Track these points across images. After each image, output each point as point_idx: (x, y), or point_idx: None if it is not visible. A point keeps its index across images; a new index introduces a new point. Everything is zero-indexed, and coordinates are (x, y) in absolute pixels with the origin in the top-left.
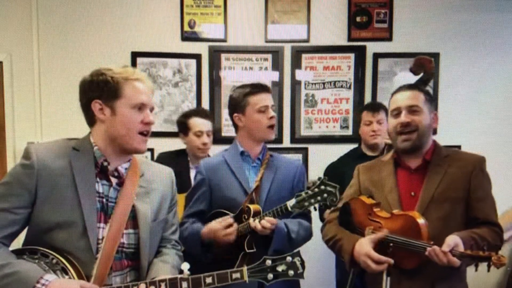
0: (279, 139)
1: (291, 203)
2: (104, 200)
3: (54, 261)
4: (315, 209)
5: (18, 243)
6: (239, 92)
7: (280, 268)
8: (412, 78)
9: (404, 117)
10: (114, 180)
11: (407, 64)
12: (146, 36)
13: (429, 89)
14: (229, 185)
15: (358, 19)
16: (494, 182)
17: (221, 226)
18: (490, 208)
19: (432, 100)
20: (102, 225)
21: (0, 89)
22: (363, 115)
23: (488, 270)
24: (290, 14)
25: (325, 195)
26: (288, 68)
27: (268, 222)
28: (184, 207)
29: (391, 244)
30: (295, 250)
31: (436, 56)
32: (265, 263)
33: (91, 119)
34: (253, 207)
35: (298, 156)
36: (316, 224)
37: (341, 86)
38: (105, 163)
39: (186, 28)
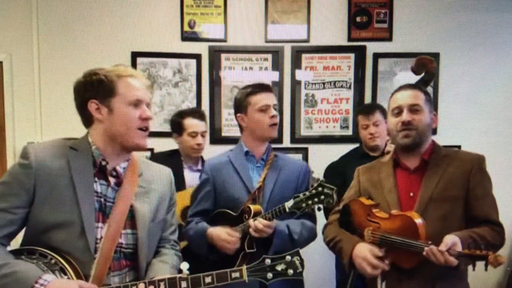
0: (279, 139)
1: (289, 204)
2: (102, 200)
3: (53, 261)
4: (319, 209)
5: (16, 243)
6: (241, 93)
7: (279, 267)
8: (412, 78)
9: (405, 116)
10: (112, 180)
11: (407, 64)
12: (146, 36)
13: (429, 89)
14: (232, 185)
15: (358, 19)
16: (494, 182)
17: (226, 238)
18: (490, 206)
19: (431, 100)
20: (100, 225)
21: (0, 89)
22: (359, 119)
23: (486, 269)
24: (290, 14)
25: (322, 197)
26: (288, 68)
27: (260, 223)
28: (189, 205)
29: (384, 249)
30: (294, 250)
31: (436, 56)
32: (264, 262)
33: (88, 120)
34: (253, 207)
35: (298, 156)
36: (320, 223)
37: (341, 86)
38: (103, 163)
39: (186, 28)
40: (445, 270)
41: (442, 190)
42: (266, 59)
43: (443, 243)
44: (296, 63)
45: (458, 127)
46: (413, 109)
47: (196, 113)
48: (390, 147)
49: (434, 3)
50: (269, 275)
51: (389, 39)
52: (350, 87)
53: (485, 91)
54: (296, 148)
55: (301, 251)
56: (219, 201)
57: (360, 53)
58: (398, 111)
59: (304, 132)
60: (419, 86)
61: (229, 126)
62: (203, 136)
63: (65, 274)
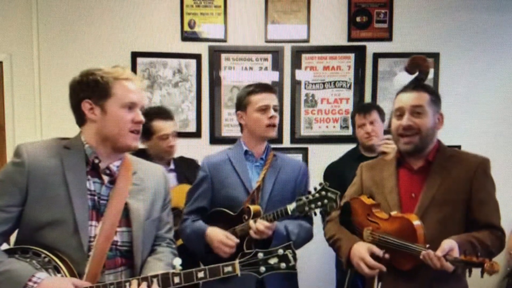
0: (279, 139)
1: (291, 207)
2: (96, 198)
3: (46, 259)
4: (315, 214)
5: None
6: (243, 91)
7: (272, 261)
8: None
9: (406, 120)
10: (106, 178)
11: None
12: (146, 36)
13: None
14: (231, 184)
15: (358, 19)
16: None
17: (224, 241)
18: (492, 211)
19: (438, 100)
20: (94, 223)
21: (0, 89)
22: (356, 118)
23: (482, 276)
24: (290, 14)
25: (326, 201)
26: (288, 68)
27: (261, 225)
28: (185, 203)
29: (384, 250)
30: (287, 243)
31: (436, 56)
32: (257, 256)
33: (81, 119)
34: (253, 208)
35: (298, 156)
36: (318, 224)
37: (341, 86)
38: (96, 161)
39: (186, 28)
40: (443, 273)
41: (444, 192)
42: (266, 59)
43: (440, 248)
44: (296, 63)
45: (458, 127)
46: (415, 111)
47: (163, 113)
48: (386, 148)
49: (434, 3)
50: (262, 269)
51: (389, 39)
52: (350, 87)
53: (485, 91)
54: (296, 148)
55: (301, 250)
56: (216, 200)
57: (360, 53)
58: (400, 113)
59: (304, 132)
60: (424, 85)
61: (229, 126)
62: (174, 136)
63: (59, 272)
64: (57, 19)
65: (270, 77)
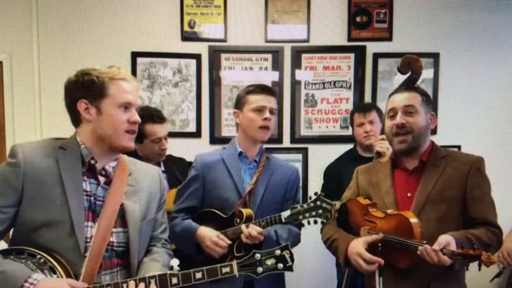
0: (279, 139)
1: (285, 214)
2: (92, 198)
3: (42, 260)
4: (308, 223)
5: (3, 243)
6: (243, 90)
7: (269, 262)
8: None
9: (399, 119)
10: (101, 179)
11: None
12: (146, 36)
13: (429, 89)
14: (223, 185)
15: (358, 19)
16: (494, 182)
17: (216, 242)
18: (488, 208)
19: (430, 101)
20: (90, 223)
21: (0, 89)
22: (355, 117)
23: (479, 269)
24: (290, 14)
25: (320, 211)
26: (288, 68)
27: (254, 230)
28: (175, 201)
29: (379, 245)
30: (284, 244)
31: (436, 56)
32: (254, 257)
33: (76, 119)
34: (245, 212)
35: (298, 156)
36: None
37: (341, 86)
38: (92, 161)
39: (186, 28)
40: (441, 271)
41: (439, 191)
42: (266, 59)
43: (437, 242)
44: (296, 63)
45: (458, 127)
46: (408, 111)
47: (155, 116)
48: (380, 148)
49: (434, 3)
50: (259, 269)
51: (389, 39)
52: (350, 87)
53: (485, 91)
54: (296, 148)
55: (302, 251)
56: (207, 200)
57: (360, 53)
58: (393, 113)
59: (304, 132)
60: (415, 87)
61: (229, 126)
62: (166, 139)
63: (55, 273)
64: (57, 19)
65: (270, 77)
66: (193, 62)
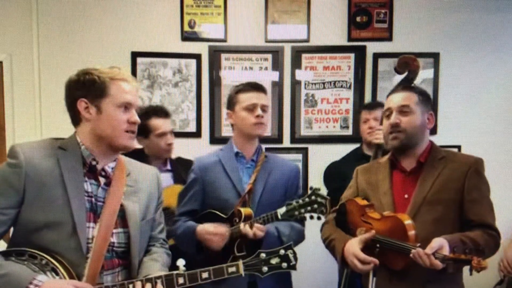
0: (279, 139)
1: (281, 211)
2: (93, 199)
3: (44, 261)
4: (304, 218)
5: (2, 244)
6: (232, 90)
7: (273, 261)
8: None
9: (393, 118)
10: (102, 180)
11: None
12: (146, 36)
13: (430, 89)
14: (222, 186)
15: (358, 19)
16: (493, 182)
17: (214, 231)
18: (485, 210)
19: (428, 100)
20: (92, 224)
21: (0, 89)
22: (362, 114)
23: (471, 274)
24: (290, 14)
25: (315, 205)
26: (288, 68)
27: (259, 230)
28: (177, 205)
29: (378, 245)
30: (288, 244)
31: (436, 56)
32: (259, 257)
33: (76, 118)
34: (244, 211)
35: (298, 156)
36: (318, 224)
37: (341, 86)
38: (94, 162)
39: (186, 28)
40: (437, 273)
41: (436, 192)
42: (266, 59)
43: (429, 246)
44: (296, 63)
45: (458, 127)
46: (402, 110)
47: (160, 111)
48: (376, 140)
49: (434, 3)
50: (264, 268)
51: (389, 39)
52: (350, 87)
53: (485, 91)
54: (296, 148)
55: (304, 250)
56: (207, 202)
57: (360, 53)
58: (389, 113)
59: (304, 132)
60: (412, 86)
61: (229, 126)
62: (171, 134)
63: (57, 274)
64: (57, 19)
65: (270, 77)
66: (193, 62)
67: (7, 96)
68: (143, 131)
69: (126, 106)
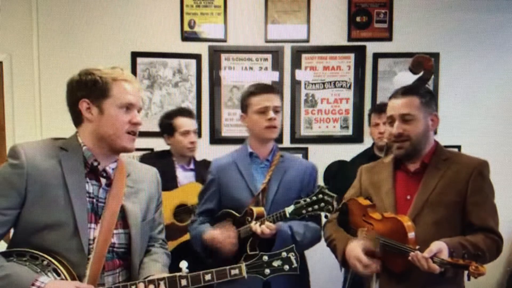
0: (279, 139)
1: (289, 209)
2: (94, 200)
3: (45, 262)
4: (310, 216)
5: (2, 245)
6: (244, 92)
7: (275, 263)
8: (412, 78)
9: (395, 129)
10: (103, 181)
11: (407, 64)
12: (146, 36)
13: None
14: (236, 186)
15: (358, 19)
16: (493, 182)
17: (222, 239)
18: (488, 214)
19: (431, 101)
20: (93, 225)
21: (0, 89)
22: (372, 117)
23: (468, 279)
24: (290, 14)
25: (322, 204)
26: (288, 68)
27: (267, 228)
28: (197, 204)
29: (377, 249)
30: (289, 246)
31: (436, 56)
32: (262, 259)
33: (78, 119)
34: (256, 210)
35: (298, 156)
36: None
37: (341, 86)
38: (95, 163)
39: (186, 28)
40: (436, 276)
41: (438, 194)
42: (266, 59)
43: (428, 250)
44: (296, 63)
45: (458, 127)
46: (405, 119)
47: (185, 111)
48: (382, 141)
49: (434, 3)
50: (267, 271)
51: (389, 39)
52: (350, 87)
53: (485, 91)
54: (296, 148)
55: (309, 250)
56: (224, 201)
57: (360, 53)
58: (391, 120)
59: (304, 132)
60: (414, 89)
61: (229, 126)
62: (195, 133)
63: (59, 275)
64: (57, 19)
65: (270, 77)
66: (193, 62)
67: (7, 96)
68: (169, 129)
69: (128, 107)
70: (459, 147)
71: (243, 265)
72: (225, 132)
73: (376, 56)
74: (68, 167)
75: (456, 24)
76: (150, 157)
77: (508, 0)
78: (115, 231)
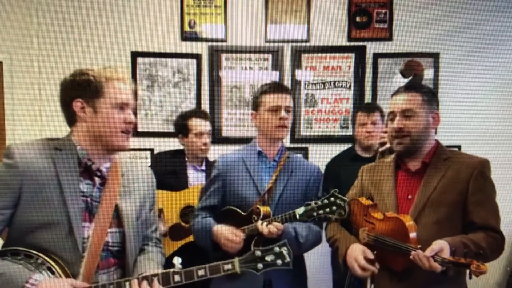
0: None
1: (300, 211)
2: (88, 199)
3: (39, 261)
4: (321, 219)
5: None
6: (257, 90)
7: (268, 258)
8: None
9: (396, 123)
10: (97, 180)
11: None
12: (146, 36)
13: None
14: (243, 184)
15: (358, 19)
16: (494, 182)
17: (232, 238)
18: (489, 213)
19: (433, 99)
20: (87, 224)
21: (0, 89)
22: (358, 116)
23: (470, 278)
24: (290, 14)
25: (334, 207)
26: (288, 68)
27: (275, 227)
28: (199, 199)
29: (375, 252)
30: (282, 241)
31: (436, 56)
32: (255, 254)
33: (71, 118)
34: (263, 209)
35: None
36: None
37: (341, 86)
38: (89, 163)
39: (186, 28)
40: (438, 275)
41: (439, 194)
42: (266, 59)
43: (429, 248)
44: (296, 63)
45: (458, 127)
46: (406, 114)
47: (200, 113)
48: (384, 139)
49: (434, 3)
50: (260, 265)
51: (389, 39)
52: (350, 87)
53: (485, 91)
54: (296, 148)
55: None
56: (228, 198)
57: (360, 53)
58: (392, 116)
59: (304, 132)
60: (417, 86)
61: (229, 126)
62: (208, 135)
63: (53, 273)
64: (57, 19)
65: (270, 77)
66: (193, 62)
67: (7, 96)
68: (184, 130)
69: (122, 106)
70: (459, 147)
71: (236, 260)
72: (225, 132)
73: (376, 56)
74: (62, 167)
75: (456, 24)
76: (164, 156)
77: (508, 0)
78: (109, 230)
